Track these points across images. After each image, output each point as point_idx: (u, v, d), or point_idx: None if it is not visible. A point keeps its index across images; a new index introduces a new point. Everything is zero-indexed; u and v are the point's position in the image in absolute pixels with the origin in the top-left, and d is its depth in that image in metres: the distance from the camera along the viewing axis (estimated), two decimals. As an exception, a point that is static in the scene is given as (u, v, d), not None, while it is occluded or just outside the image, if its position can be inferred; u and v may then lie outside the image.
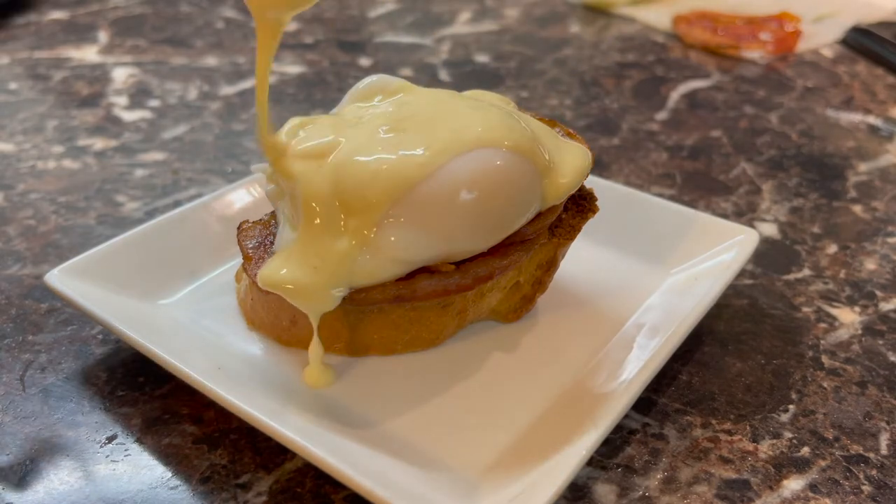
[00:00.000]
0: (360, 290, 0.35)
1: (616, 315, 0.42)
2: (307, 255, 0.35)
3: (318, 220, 0.35)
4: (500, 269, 0.37)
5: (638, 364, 0.37)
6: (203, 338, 0.40)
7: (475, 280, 0.36)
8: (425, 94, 0.39)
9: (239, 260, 0.44)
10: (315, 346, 0.37)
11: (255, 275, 0.36)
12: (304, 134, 0.38)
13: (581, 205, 0.41)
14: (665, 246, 0.46)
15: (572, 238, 0.40)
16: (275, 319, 0.39)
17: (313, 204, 0.35)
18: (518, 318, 0.42)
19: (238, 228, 0.40)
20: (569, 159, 0.38)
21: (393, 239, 0.34)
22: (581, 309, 0.43)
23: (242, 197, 0.49)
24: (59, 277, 0.39)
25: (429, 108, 0.38)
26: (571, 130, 0.42)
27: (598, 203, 0.41)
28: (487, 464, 0.34)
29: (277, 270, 0.35)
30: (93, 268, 0.41)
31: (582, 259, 0.46)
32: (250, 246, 0.38)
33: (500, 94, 0.43)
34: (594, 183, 0.46)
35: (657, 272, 0.45)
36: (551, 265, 0.42)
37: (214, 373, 0.36)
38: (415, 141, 0.35)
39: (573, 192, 0.38)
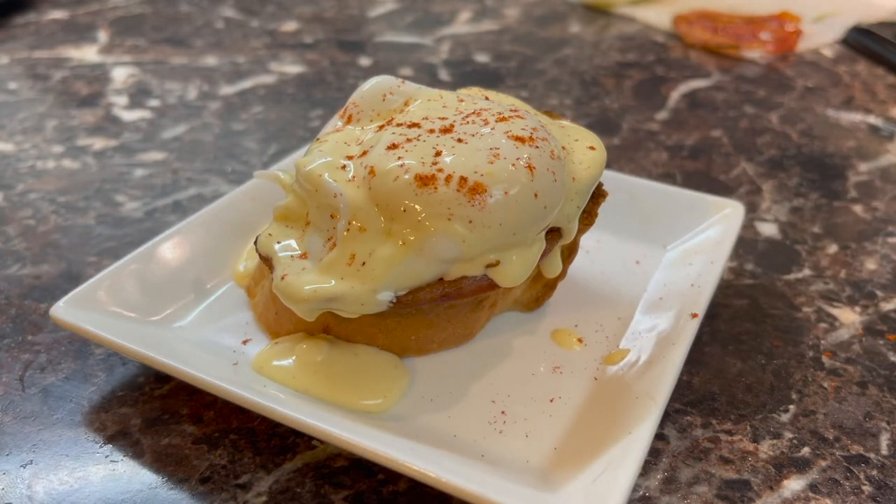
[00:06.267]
0: (409, 292, 0.35)
1: (629, 294, 0.44)
2: (350, 264, 0.34)
3: (360, 229, 0.34)
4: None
5: (669, 337, 0.38)
6: (236, 360, 0.39)
7: None
8: (441, 97, 0.39)
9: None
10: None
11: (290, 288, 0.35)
12: (326, 148, 0.38)
13: (593, 192, 0.41)
14: (657, 225, 0.48)
15: (591, 224, 0.41)
16: (306, 328, 0.39)
17: (351, 212, 0.34)
18: (539, 306, 0.43)
19: (256, 243, 0.39)
20: (584, 156, 0.39)
21: (435, 240, 0.34)
22: (594, 292, 0.44)
23: (232, 209, 0.47)
24: (64, 310, 0.37)
25: (449, 112, 0.38)
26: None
27: (604, 188, 0.42)
28: (551, 452, 0.34)
29: (324, 282, 0.34)
30: (101, 297, 0.39)
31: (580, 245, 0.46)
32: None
33: (504, 95, 0.43)
34: None
35: (654, 251, 0.47)
36: (572, 252, 0.43)
37: (267, 395, 0.34)
38: (445, 144, 0.35)
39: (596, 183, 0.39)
